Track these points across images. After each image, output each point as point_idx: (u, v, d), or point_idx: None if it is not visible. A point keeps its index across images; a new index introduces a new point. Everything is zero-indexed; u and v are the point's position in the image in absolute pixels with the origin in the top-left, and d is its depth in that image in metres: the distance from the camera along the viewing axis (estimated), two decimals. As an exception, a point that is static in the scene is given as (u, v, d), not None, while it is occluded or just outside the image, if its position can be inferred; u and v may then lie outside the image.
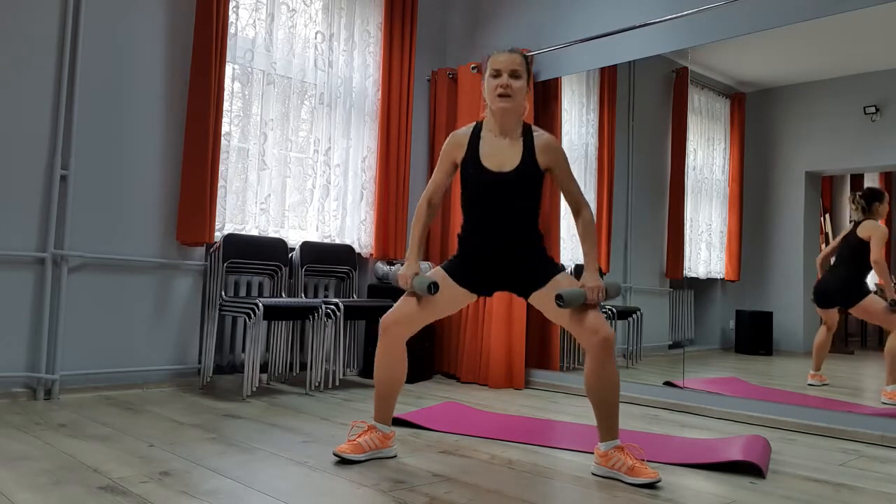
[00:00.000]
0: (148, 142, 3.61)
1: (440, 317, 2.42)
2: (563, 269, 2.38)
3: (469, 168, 2.36)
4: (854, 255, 3.26)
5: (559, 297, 2.21)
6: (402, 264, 4.38)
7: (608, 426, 2.25)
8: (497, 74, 2.31)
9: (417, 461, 2.37)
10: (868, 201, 3.25)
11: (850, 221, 3.33)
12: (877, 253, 3.18)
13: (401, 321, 2.34)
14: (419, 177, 4.89)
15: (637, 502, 2.00)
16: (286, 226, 4.16)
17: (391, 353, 2.35)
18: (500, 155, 2.34)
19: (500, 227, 2.34)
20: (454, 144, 2.41)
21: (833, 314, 3.31)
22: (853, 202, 3.31)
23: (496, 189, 2.33)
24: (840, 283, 3.31)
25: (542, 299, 2.33)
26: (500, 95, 2.29)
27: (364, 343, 4.48)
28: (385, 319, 2.35)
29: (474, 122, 2.45)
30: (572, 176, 2.39)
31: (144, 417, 2.90)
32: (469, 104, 4.62)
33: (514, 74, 2.31)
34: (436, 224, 4.75)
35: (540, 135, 2.37)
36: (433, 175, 2.48)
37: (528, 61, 2.38)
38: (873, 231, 3.23)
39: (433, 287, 2.29)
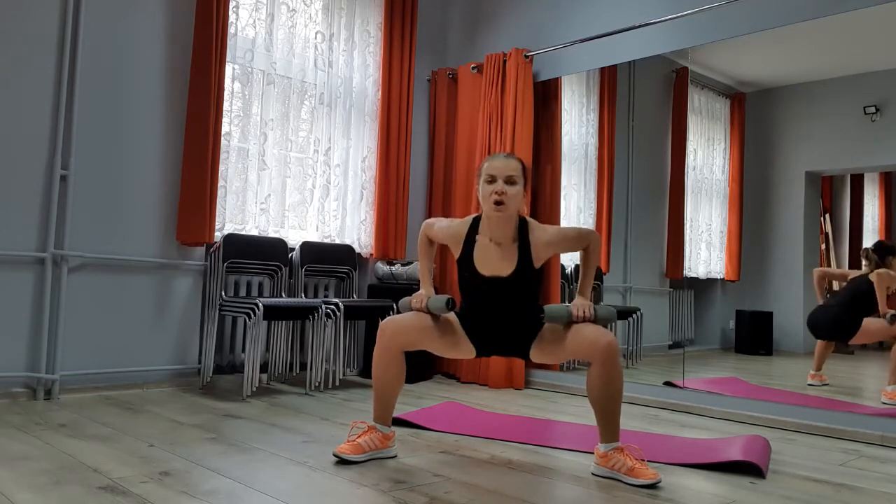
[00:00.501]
0: (148, 142, 3.61)
1: (434, 349, 2.39)
2: (540, 315, 2.36)
3: (464, 270, 2.37)
4: (859, 296, 3.24)
5: (540, 310, 2.25)
6: (402, 264, 4.39)
7: (610, 429, 2.25)
8: (492, 180, 2.27)
9: (417, 461, 2.37)
10: (881, 256, 3.23)
11: (863, 272, 3.31)
12: (880, 287, 3.20)
13: (401, 328, 2.33)
14: (419, 177, 4.89)
15: (637, 502, 2.00)
16: (286, 226, 4.16)
17: (386, 355, 2.35)
18: (495, 262, 2.33)
19: (497, 315, 2.37)
20: (452, 235, 2.42)
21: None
22: (865, 258, 3.28)
23: (492, 291, 2.35)
24: (833, 321, 3.31)
25: (541, 347, 2.34)
26: (496, 203, 2.26)
27: (364, 343, 4.48)
28: (385, 322, 2.35)
29: (472, 218, 2.42)
30: (572, 238, 2.36)
31: (144, 417, 2.90)
32: (469, 104, 4.62)
33: (509, 181, 2.27)
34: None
35: (536, 233, 2.34)
36: (435, 224, 2.49)
37: (524, 166, 2.35)
38: (887, 280, 3.22)
39: (451, 303, 2.30)
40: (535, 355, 2.37)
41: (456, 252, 2.41)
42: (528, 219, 2.39)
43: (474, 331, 2.42)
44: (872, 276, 3.22)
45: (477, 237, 2.37)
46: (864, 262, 3.29)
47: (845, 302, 3.29)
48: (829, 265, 3.41)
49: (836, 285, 3.36)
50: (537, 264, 2.33)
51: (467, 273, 2.37)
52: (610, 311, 2.31)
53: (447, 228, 2.45)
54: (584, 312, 2.25)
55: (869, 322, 3.20)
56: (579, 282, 2.42)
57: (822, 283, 3.35)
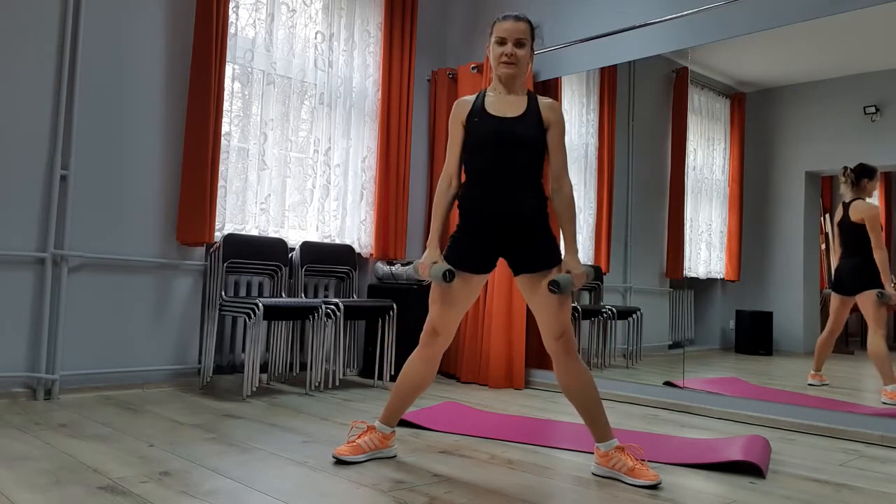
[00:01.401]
0: (148, 142, 3.61)
1: (467, 308, 2.37)
2: (560, 260, 2.28)
3: (474, 118, 2.34)
4: (856, 240, 3.24)
5: (555, 284, 2.15)
6: (402, 264, 4.38)
7: (599, 425, 2.25)
8: (502, 42, 2.33)
9: (417, 461, 2.37)
10: (858, 176, 3.23)
11: (841, 202, 3.31)
12: (876, 241, 3.17)
13: (450, 323, 2.31)
14: (419, 177, 4.89)
15: (637, 502, 2.00)
16: (286, 226, 4.16)
17: (435, 354, 2.35)
18: (506, 106, 2.34)
19: (502, 181, 2.27)
20: (461, 105, 2.40)
21: (844, 312, 3.30)
22: (843, 175, 3.29)
23: (500, 134, 2.28)
24: (854, 271, 3.29)
25: (530, 283, 2.26)
26: (506, 63, 2.31)
27: (364, 343, 4.48)
28: (436, 323, 2.30)
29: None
30: (564, 146, 2.35)
31: (144, 417, 2.90)
32: (469, 104, 4.61)
33: (518, 43, 2.32)
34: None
35: (544, 97, 2.39)
36: (449, 150, 2.40)
37: (532, 27, 2.39)
38: (865, 213, 3.21)
39: (448, 275, 2.22)
40: (521, 281, 2.29)
41: (467, 111, 2.37)
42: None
43: (471, 243, 2.30)
44: (853, 215, 3.24)
45: (487, 93, 2.39)
46: (841, 181, 3.30)
47: (850, 245, 3.28)
48: (829, 265, 3.41)
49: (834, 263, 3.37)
50: (544, 119, 2.33)
51: (477, 118, 2.33)
52: (591, 273, 2.31)
53: (456, 105, 2.40)
54: (582, 283, 2.23)
55: (869, 294, 3.20)
56: (566, 236, 2.30)
57: (832, 253, 3.36)
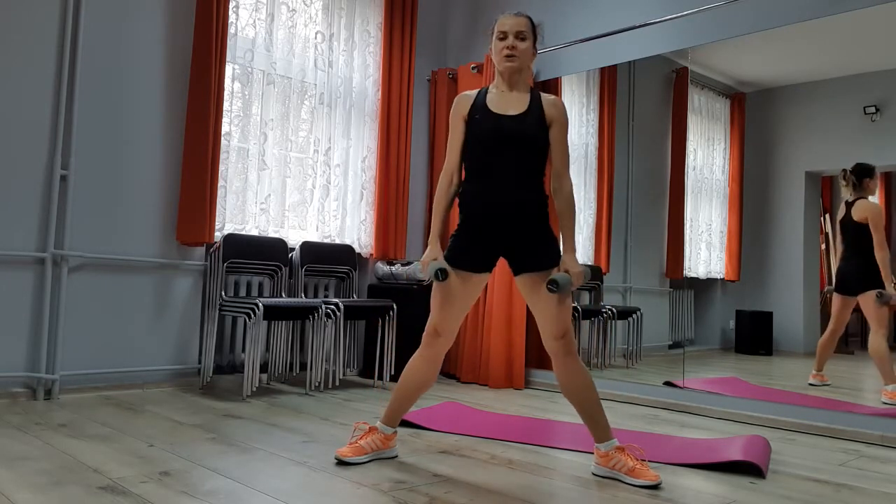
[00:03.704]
0: (148, 142, 3.61)
1: (467, 309, 2.35)
2: (559, 258, 2.28)
3: (476, 115, 2.33)
4: (858, 240, 3.24)
5: (554, 283, 2.15)
6: (402, 264, 4.38)
7: (599, 425, 2.25)
8: (504, 37, 2.32)
9: (417, 461, 2.37)
10: (859, 177, 3.23)
11: (844, 201, 3.31)
12: (879, 240, 3.17)
13: (446, 331, 2.31)
14: (419, 177, 4.89)
15: (637, 502, 2.00)
16: (286, 226, 4.16)
17: (437, 355, 2.34)
18: (508, 103, 2.33)
19: (503, 179, 2.26)
20: (462, 100, 2.39)
21: (846, 313, 3.29)
22: (843, 178, 3.29)
23: (501, 132, 2.27)
24: (856, 271, 3.28)
25: (530, 283, 2.26)
26: (507, 56, 2.31)
27: (364, 343, 4.48)
28: (438, 324, 2.30)
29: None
30: (566, 144, 2.35)
31: (144, 417, 2.89)
32: (469, 104, 4.62)
33: (519, 36, 2.31)
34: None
35: (547, 94, 2.38)
36: (449, 147, 2.38)
37: (534, 24, 2.39)
38: (869, 213, 3.21)
39: (441, 273, 2.22)
40: (522, 281, 2.29)
41: (468, 107, 2.36)
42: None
43: (471, 242, 2.30)
44: (856, 214, 3.23)
45: (489, 90, 2.38)
46: (842, 184, 3.29)
47: (852, 245, 3.27)
48: (829, 265, 3.41)
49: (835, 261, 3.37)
50: (547, 117, 2.32)
51: (479, 115, 2.31)
52: (588, 273, 2.31)
53: (458, 101, 2.39)
54: (581, 282, 2.23)
55: (870, 294, 3.20)
56: (565, 235, 2.30)
57: (834, 254, 3.35)
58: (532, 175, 2.29)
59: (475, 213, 2.30)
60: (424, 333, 2.35)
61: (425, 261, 2.30)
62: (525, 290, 2.29)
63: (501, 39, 2.33)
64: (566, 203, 2.30)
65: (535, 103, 2.33)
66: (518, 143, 2.27)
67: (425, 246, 4.82)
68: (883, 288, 3.17)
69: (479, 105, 2.34)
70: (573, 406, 2.27)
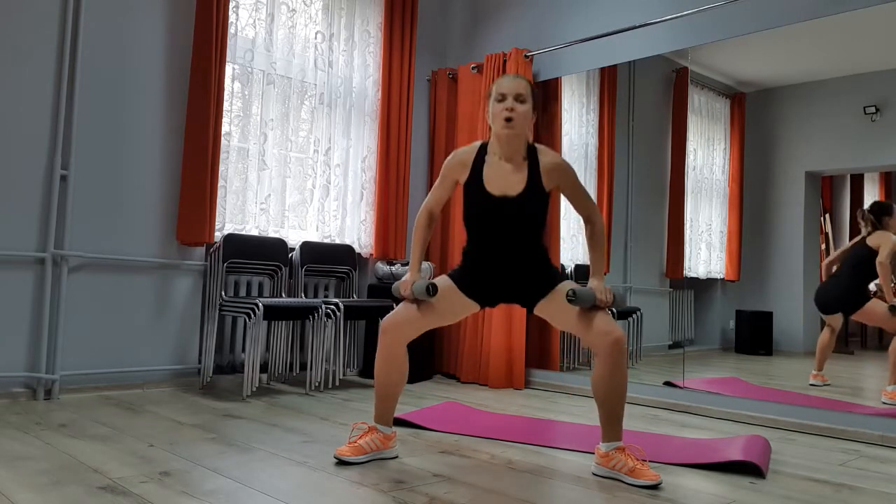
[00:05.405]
0: (148, 142, 3.61)
1: (441, 324, 2.41)
2: (565, 278, 2.37)
3: (472, 191, 2.35)
4: (860, 263, 3.24)
5: (572, 293, 2.20)
6: (402, 264, 4.39)
7: (613, 428, 2.25)
8: (502, 99, 2.31)
9: (417, 461, 2.37)
10: (878, 216, 3.23)
11: (861, 235, 3.30)
12: (883, 255, 3.17)
13: (400, 323, 2.34)
14: (419, 177, 4.89)
15: (637, 502, 2.00)
16: (286, 226, 4.16)
17: (390, 354, 2.35)
18: (505, 180, 2.32)
19: (504, 247, 2.34)
20: (457, 163, 2.39)
21: (837, 318, 3.30)
22: (862, 219, 3.27)
23: (500, 213, 2.32)
24: (842, 291, 3.30)
25: (549, 307, 2.34)
26: (506, 119, 2.28)
27: (364, 343, 4.48)
28: (385, 321, 2.36)
29: (479, 143, 2.42)
30: (581, 189, 2.39)
31: (144, 417, 2.90)
32: (469, 104, 4.62)
33: (519, 99, 2.30)
34: (435, 233, 4.75)
35: (545, 156, 2.36)
36: (433, 189, 2.47)
37: (533, 87, 2.37)
38: (884, 240, 3.21)
39: (431, 289, 2.30)
40: (540, 310, 2.36)
41: (463, 177, 2.37)
42: (538, 145, 2.41)
43: (477, 283, 2.38)
44: (872, 241, 3.22)
45: (487, 157, 2.37)
46: (861, 225, 3.28)
47: (848, 273, 3.27)
48: (827, 265, 3.41)
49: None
50: (547, 186, 2.34)
51: (475, 194, 2.34)
52: (623, 297, 2.35)
53: (453, 158, 2.41)
54: (607, 297, 2.26)
55: (874, 303, 3.20)
56: (592, 263, 2.42)
57: (829, 269, 3.34)
58: (531, 239, 2.36)
59: (477, 265, 2.39)
60: (381, 327, 2.36)
61: (406, 282, 2.37)
62: (549, 316, 2.37)
63: (500, 101, 2.31)
64: (596, 238, 2.43)
65: (534, 174, 2.32)
66: (518, 221, 2.33)
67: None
68: (885, 300, 3.17)
69: (475, 180, 2.34)
70: (596, 400, 2.26)
